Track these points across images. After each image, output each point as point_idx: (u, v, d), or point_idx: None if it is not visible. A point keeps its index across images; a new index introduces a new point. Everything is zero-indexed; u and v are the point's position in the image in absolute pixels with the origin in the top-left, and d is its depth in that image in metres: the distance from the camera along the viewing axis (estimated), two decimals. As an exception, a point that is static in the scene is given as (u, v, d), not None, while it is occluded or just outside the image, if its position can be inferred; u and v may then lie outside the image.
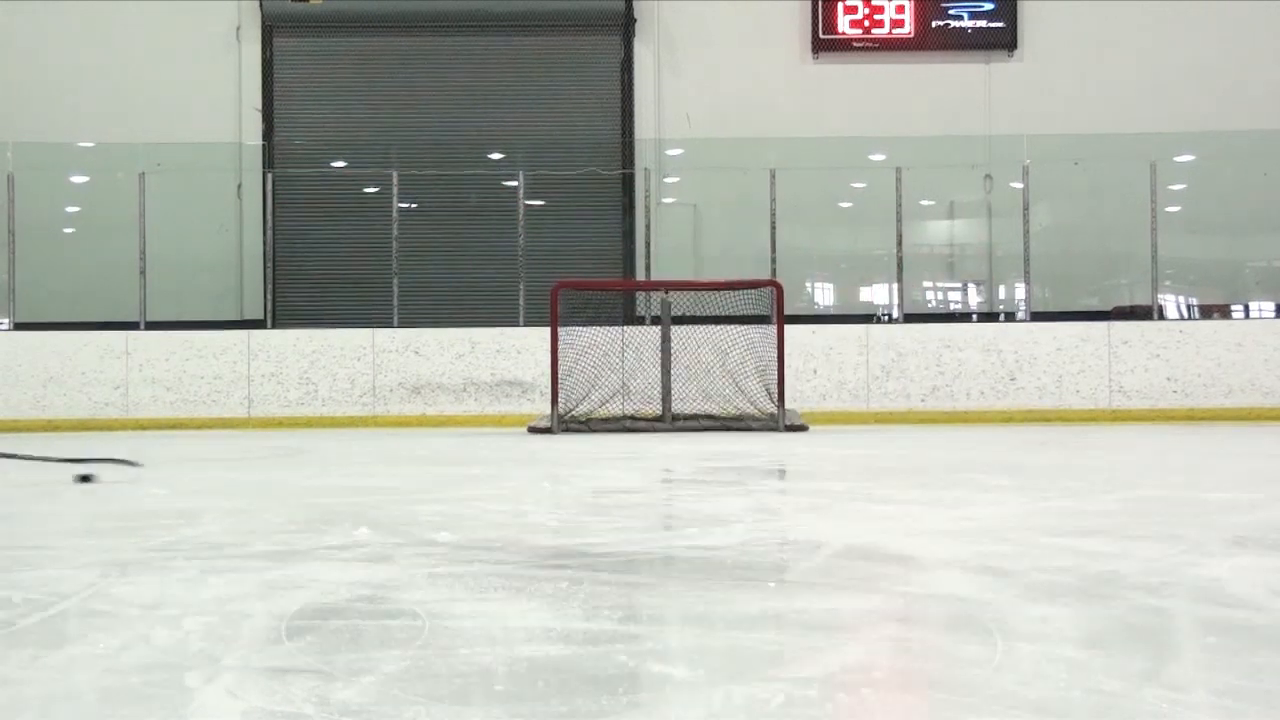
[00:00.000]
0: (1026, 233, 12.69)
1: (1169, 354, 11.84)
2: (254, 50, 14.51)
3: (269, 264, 13.33)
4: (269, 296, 13.13)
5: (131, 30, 14.42)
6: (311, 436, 10.33)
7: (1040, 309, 13.29)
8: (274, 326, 12.78)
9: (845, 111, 14.40)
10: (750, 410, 10.58)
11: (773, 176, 12.82)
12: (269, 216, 13.55)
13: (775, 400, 10.44)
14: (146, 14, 14.42)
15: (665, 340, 10.73)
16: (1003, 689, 1.90)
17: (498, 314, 12.72)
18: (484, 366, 12.10)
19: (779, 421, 10.29)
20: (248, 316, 13.61)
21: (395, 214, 13.05)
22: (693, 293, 11.34)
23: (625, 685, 1.96)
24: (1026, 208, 12.76)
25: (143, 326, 12.35)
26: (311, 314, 13.49)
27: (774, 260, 12.76)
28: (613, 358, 11.09)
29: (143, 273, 12.57)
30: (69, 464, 5.94)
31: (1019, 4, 14.64)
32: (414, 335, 12.19)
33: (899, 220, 12.72)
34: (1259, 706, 1.83)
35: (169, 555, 3.34)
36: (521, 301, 12.57)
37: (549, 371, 10.55)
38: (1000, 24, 14.59)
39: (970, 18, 14.57)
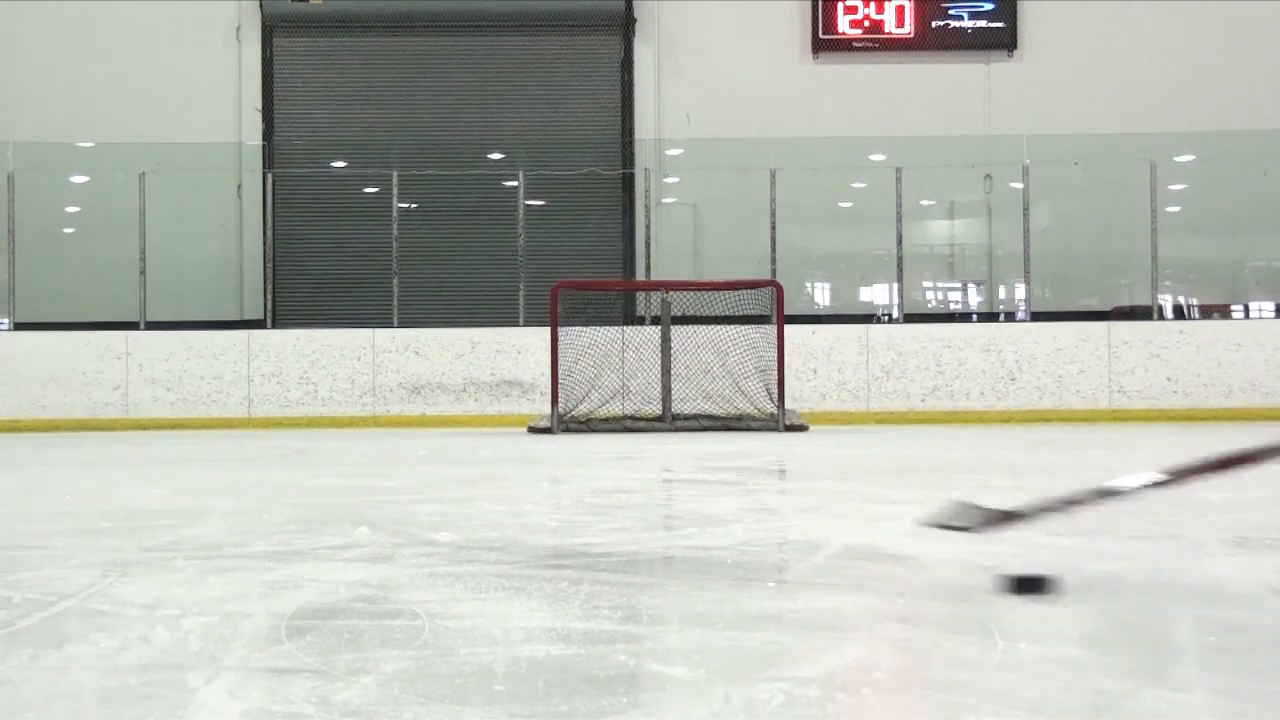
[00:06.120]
0: (1026, 233, 12.69)
1: (1169, 354, 11.84)
2: (254, 50, 14.51)
3: (269, 264, 13.33)
4: (269, 296, 13.13)
5: (132, 30, 14.43)
6: (311, 436, 10.33)
7: (1040, 309, 13.29)
8: (274, 326, 12.78)
9: (845, 111, 14.41)
10: (750, 410, 10.58)
11: (773, 176, 12.82)
12: (269, 216, 13.56)
13: (775, 400, 10.44)
14: (146, 14, 14.42)
15: (665, 340, 10.73)
16: (1003, 689, 1.90)
17: (498, 314, 12.72)
18: (484, 366, 12.10)
19: (779, 421, 10.28)
20: (248, 316, 13.61)
21: (395, 214, 13.06)
22: (693, 293, 11.34)
23: (625, 685, 1.96)
24: (1026, 208, 12.76)
25: (143, 326, 12.35)
26: (311, 314, 13.50)
27: (774, 260, 12.76)
28: (613, 358, 11.09)
29: (143, 273, 12.57)
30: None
31: (1019, 4, 14.64)
32: (414, 335, 12.19)
33: (899, 220, 12.72)
34: (1259, 706, 1.83)
35: (169, 555, 3.34)
36: (521, 301, 12.57)
37: (549, 371, 10.55)
38: (1000, 24, 14.60)
39: (970, 18, 14.57)
